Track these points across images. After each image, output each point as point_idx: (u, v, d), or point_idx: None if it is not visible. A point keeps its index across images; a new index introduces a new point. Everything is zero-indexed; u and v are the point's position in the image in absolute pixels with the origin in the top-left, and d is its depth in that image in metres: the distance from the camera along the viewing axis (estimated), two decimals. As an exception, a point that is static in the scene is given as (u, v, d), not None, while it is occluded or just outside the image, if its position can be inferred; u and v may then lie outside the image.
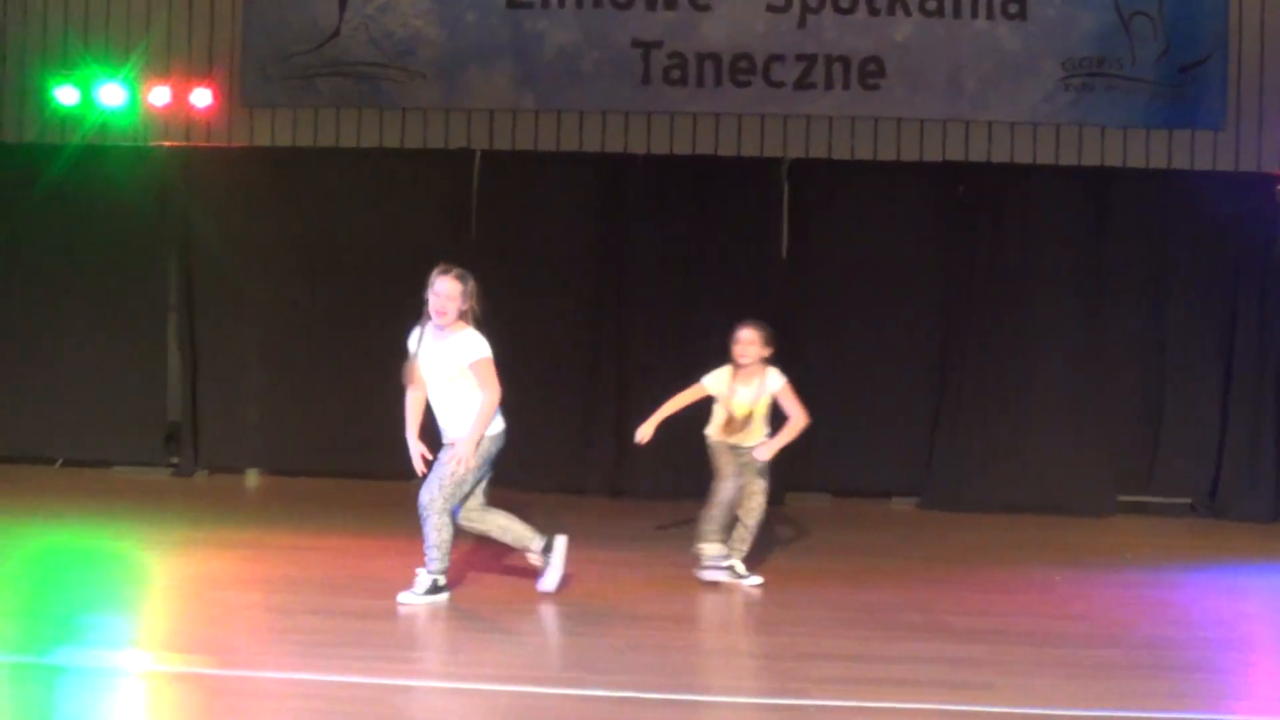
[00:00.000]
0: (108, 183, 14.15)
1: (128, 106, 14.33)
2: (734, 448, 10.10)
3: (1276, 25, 14.00)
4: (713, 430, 10.20)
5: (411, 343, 9.35)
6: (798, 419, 10.10)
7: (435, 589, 9.16)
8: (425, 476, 9.23)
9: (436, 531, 9.10)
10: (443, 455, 9.22)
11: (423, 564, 9.18)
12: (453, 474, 9.07)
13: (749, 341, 10.06)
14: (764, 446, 10.04)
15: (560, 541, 9.44)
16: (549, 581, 9.40)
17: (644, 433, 10.06)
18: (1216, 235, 13.78)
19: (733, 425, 10.10)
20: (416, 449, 9.30)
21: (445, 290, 9.16)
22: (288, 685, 7.42)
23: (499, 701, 7.21)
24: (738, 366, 10.09)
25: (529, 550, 9.38)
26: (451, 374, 9.18)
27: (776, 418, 10.16)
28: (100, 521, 11.70)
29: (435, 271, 9.29)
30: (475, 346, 9.22)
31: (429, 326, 9.26)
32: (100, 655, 7.80)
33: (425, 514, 9.12)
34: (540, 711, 7.12)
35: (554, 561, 9.39)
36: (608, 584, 9.73)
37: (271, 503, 13.41)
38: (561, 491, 13.64)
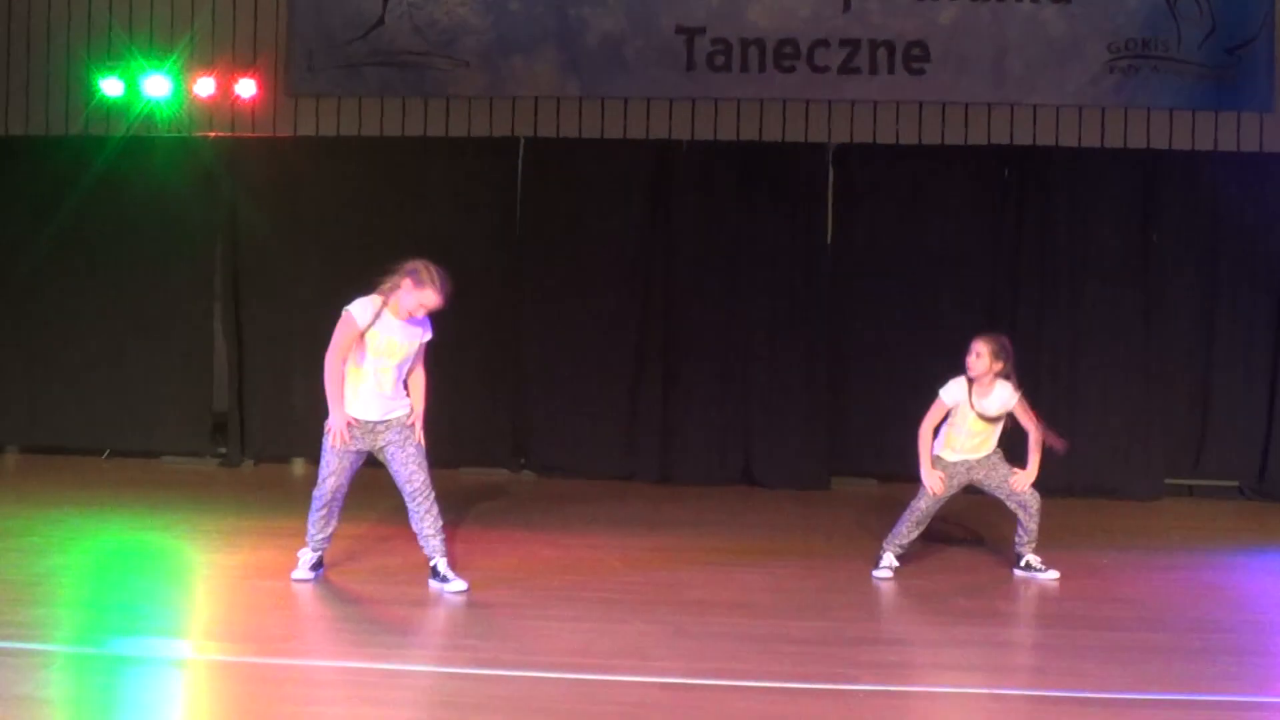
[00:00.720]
0: (153, 174, 14.24)
1: (173, 97, 14.38)
2: (961, 461, 10.04)
3: (1323, 4, 13.92)
4: (943, 448, 10.11)
5: (366, 316, 9.18)
6: (1036, 435, 10.07)
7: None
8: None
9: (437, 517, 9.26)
10: (401, 435, 9.24)
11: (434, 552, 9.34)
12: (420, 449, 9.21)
13: (979, 354, 9.91)
14: (1020, 477, 10.05)
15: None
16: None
17: (933, 484, 10.03)
18: (1264, 217, 13.69)
19: (968, 438, 10.03)
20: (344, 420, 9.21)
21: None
22: (339, 674, 7.47)
23: (552, 689, 7.24)
24: (970, 380, 9.95)
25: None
26: (413, 354, 9.36)
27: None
28: (148, 512, 11.75)
29: (437, 275, 9.29)
30: (429, 326, 9.42)
31: (393, 312, 9.21)
32: (153, 645, 7.86)
33: (429, 497, 9.22)
34: (590, 698, 7.14)
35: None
36: (655, 570, 9.73)
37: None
38: (610, 478, 13.67)
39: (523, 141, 14.27)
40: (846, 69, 14.16)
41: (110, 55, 14.49)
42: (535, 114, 14.45)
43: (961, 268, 13.91)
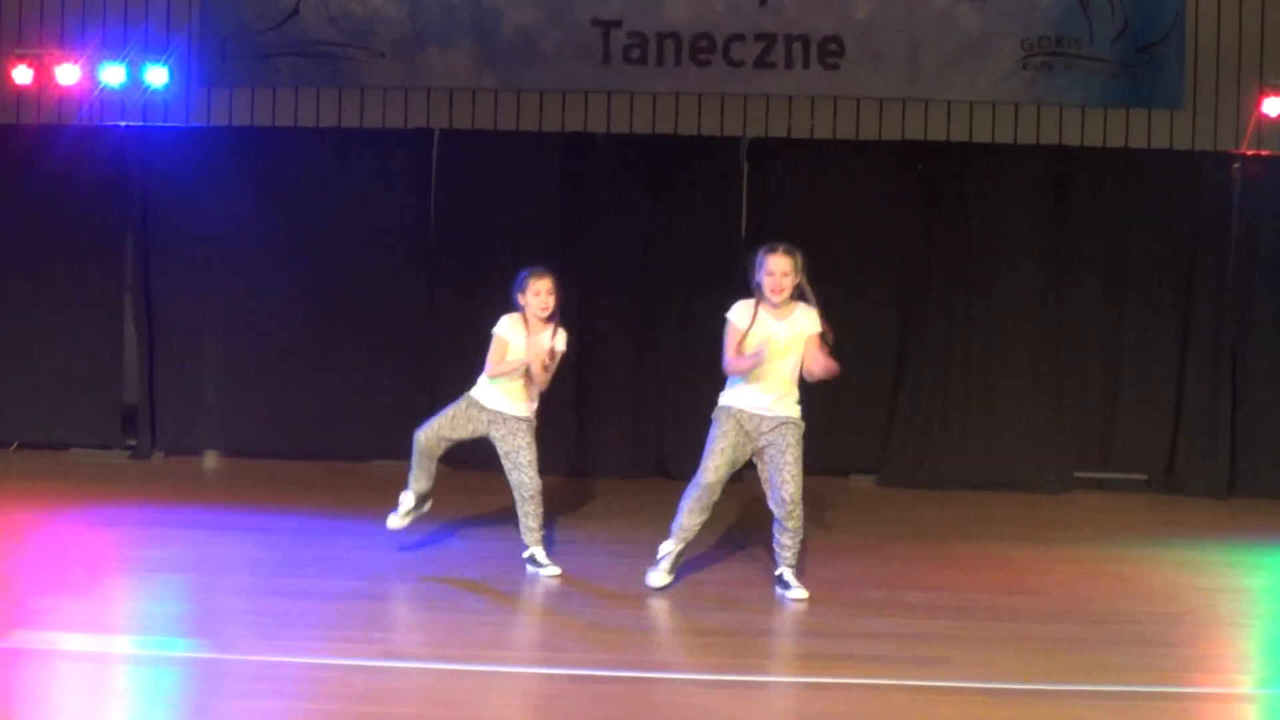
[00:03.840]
0: (62, 164, 14.05)
1: (84, 86, 14.22)
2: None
3: (1233, 4, 14.07)
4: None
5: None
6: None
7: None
8: None
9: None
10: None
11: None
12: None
13: (784, 272, 9.15)
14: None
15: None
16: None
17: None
18: (1174, 213, 13.86)
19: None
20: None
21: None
22: (248, 666, 7.41)
23: (463, 682, 7.23)
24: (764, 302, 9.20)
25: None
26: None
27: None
28: (57, 504, 11.64)
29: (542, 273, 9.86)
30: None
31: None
32: (57, 639, 7.78)
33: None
34: (502, 690, 7.13)
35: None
36: (567, 562, 9.72)
37: (230, 484, 13.38)
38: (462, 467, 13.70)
39: (437, 133, 14.22)
40: (762, 63, 14.21)
41: (21, 43, 14.31)
42: (450, 106, 14.41)
43: (875, 262, 13.98)
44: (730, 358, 9.14)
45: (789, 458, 9.16)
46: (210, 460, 14.32)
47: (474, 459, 13.79)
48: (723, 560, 10.03)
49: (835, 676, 7.43)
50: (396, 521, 9.95)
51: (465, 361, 13.97)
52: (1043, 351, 13.82)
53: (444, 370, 14.03)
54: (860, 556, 10.54)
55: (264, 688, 7.04)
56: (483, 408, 9.70)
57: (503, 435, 9.63)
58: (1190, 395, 13.81)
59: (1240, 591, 10.03)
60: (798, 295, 9.22)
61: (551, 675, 7.44)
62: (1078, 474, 13.88)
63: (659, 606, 8.94)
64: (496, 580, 9.41)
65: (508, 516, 10.09)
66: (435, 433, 9.73)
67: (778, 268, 9.12)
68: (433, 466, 9.81)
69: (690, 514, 9.22)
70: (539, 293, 9.68)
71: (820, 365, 9.10)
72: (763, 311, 9.14)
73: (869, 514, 12.55)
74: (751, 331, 9.08)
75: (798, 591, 9.12)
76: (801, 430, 9.28)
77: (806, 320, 9.17)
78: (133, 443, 14.31)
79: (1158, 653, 8.17)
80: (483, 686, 7.17)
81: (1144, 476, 13.98)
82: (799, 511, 9.14)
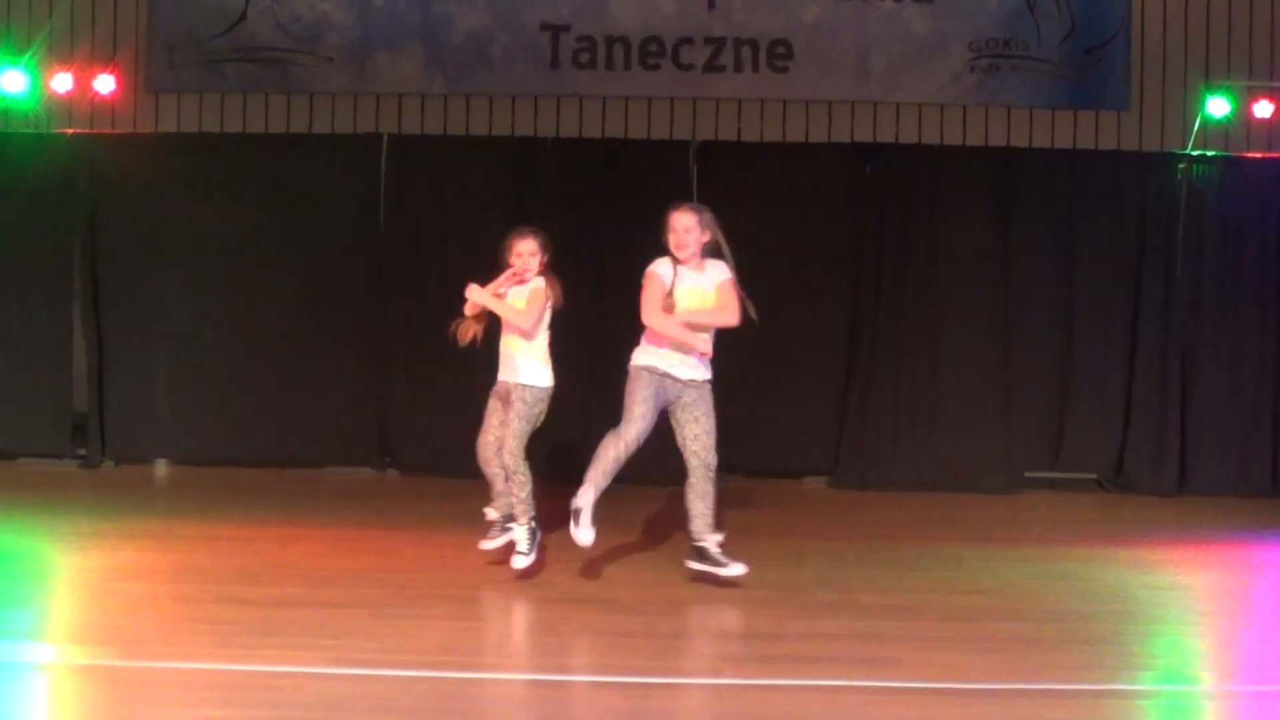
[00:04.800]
0: (9, 171, 13.99)
1: (29, 93, 14.11)
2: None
3: (1179, 6, 14.15)
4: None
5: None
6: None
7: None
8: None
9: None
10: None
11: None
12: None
13: (685, 228, 9.34)
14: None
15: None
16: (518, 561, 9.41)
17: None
18: (1121, 214, 13.95)
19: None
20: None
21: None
22: (199, 675, 7.37)
23: (416, 688, 7.21)
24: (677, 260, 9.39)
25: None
26: None
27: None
28: (5, 514, 11.56)
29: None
30: None
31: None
32: (5, 648, 7.73)
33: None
34: (455, 696, 7.12)
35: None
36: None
37: (181, 493, 13.32)
38: (476, 476, 13.55)
39: (386, 138, 14.19)
40: (711, 67, 14.22)
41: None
42: (399, 111, 14.38)
43: (824, 264, 14.04)
44: (657, 314, 9.28)
45: (701, 411, 9.41)
46: (161, 469, 14.25)
47: (425, 464, 13.87)
48: (675, 563, 10.01)
49: (787, 678, 7.43)
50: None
51: (416, 366, 14.06)
52: (992, 353, 13.87)
53: (395, 375, 14.03)
54: (812, 558, 10.55)
55: (215, 695, 7.00)
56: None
57: None
58: (1139, 395, 13.89)
59: (1189, 589, 10.11)
60: (714, 253, 9.39)
61: (506, 680, 7.44)
62: (1028, 474, 13.95)
63: (611, 609, 8.93)
64: (449, 585, 9.39)
65: (457, 521, 10.08)
66: None
67: (679, 224, 9.34)
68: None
69: (610, 470, 9.19)
70: (519, 254, 9.73)
71: (735, 312, 9.39)
72: (682, 269, 9.30)
73: (821, 516, 12.59)
74: (676, 288, 9.25)
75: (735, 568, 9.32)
76: (710, 388, 9.48)
77: (719, 273, 9.39)
78: (82, 452, 14.22)
79: (1109, 651, 8.21)
80: (435, 692, 7.15)
81: (1094, 476, 14.07)
82: (714, 460, 9.41)
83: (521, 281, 9.70)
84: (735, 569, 9.26)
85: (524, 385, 9.58)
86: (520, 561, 9.28)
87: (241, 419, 14.05)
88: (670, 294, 9.25)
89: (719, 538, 9.36)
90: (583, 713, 7.03)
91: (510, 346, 9.69)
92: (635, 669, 7.76)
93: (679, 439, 9.44)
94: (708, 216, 9.40)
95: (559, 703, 7.17)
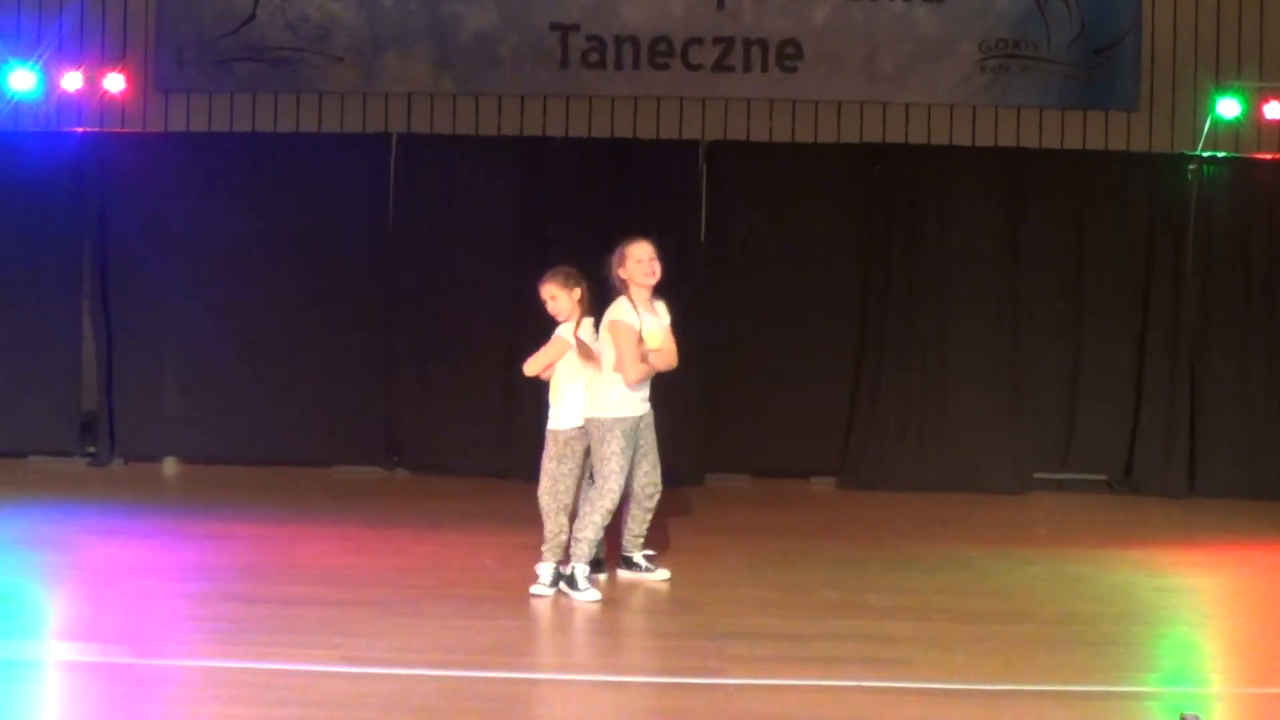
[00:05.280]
0: (20, 170, 13.99)
1: (39, 92, 14.15)
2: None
3: (1189, 7, 14.14)
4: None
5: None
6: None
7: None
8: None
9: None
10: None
11: None
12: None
13: (554, 297, 9.46)
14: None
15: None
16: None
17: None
18: (1131, 215, 13.92)
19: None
20: None
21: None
22: (207, 673, 7.39)
23: (423, 686, 7.21)
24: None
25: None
26: None
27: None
28: (15, 511, 11.59)
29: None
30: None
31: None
32: (16, 646, 7.74)
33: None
34: (462, 695, 7.12)
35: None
36: (527, 567, 9.68)
37: (189, 491, 13.34)
38: (484, 475, 13.62)
39: (395, 138, 14.19)
40: (720, 67, 14.22)
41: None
42: (408, 110, 14.39)
43: (833, 264, 14.02)
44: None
45: (653, 442, 9.47)
46: (169, 467, 14.26)
47: (433, 464, 13.88)
48: (680, 563, 10.01)
49: (796, 678, 7.43)
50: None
51: (424, 364, 14.06)
52: (1001, 353, 13.85)
53: (403, 374, 14.03)
54: (820, 558, 10.55)
55: (222, 694, 7.01)
56: None
57: None
58: (1149, 396, 13.86)
59: (1198, 591, 10.09)
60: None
61: (513, 679, 7.44)
62: (1036, 475, 13.92)
63: (616, 610, 8.94)
64: (457, 584, 9.39)
65: (466, 520, 10.09)
66: None
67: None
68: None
69: (601, 530, 9.25)
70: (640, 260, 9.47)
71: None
72: (640, 307, 9.32)
73: (829, 516, 12.58)
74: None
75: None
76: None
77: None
78: (91, 450, 14.24)
79: (1117, 652, 8.21)
80: (443, 691, 7.15)
81: (1103, 477, 14.04)
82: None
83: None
84: (592, 594, 9.11)
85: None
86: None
87: (250, 417, 14.05)
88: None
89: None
90: (590, 712, 7.03)
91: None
92: (643, 669, 7.78)
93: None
94: None
95: (567, 702, 7.18)
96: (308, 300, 14.05)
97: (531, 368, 9.49)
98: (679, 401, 13.80)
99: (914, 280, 13.92)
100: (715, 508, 12.55)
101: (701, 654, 7.96)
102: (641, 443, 9.37)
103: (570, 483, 9.38)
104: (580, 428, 9.32)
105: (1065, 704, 7.16)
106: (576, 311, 9.43)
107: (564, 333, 9.41)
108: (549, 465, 9.40)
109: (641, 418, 9.33)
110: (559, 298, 9.44)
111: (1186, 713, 6.01)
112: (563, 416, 9.40)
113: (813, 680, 7.40)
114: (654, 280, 9.36)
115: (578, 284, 9.49)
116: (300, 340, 14.07)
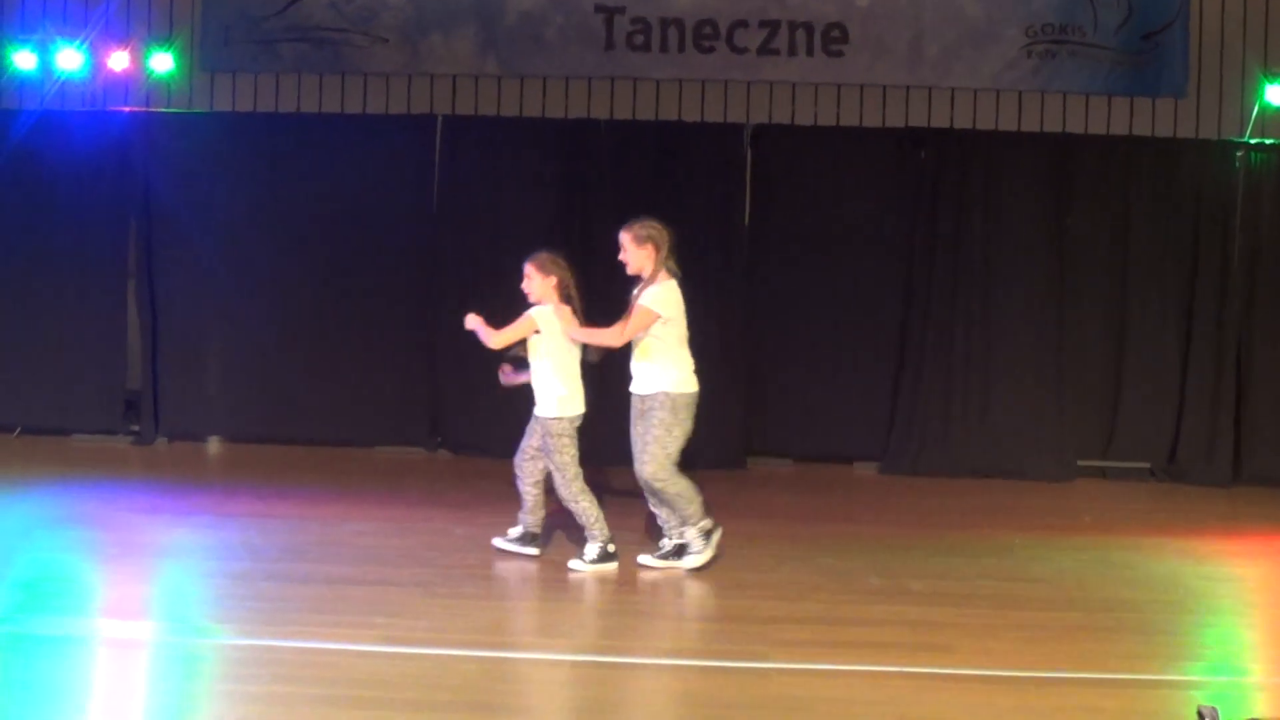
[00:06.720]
0: (66, 148, 14.03)
1: (86, 71, 14.20)
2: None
3: (1237, -7, 14.06)
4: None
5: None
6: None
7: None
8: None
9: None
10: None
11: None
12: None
13: (529, 275, 10.01)
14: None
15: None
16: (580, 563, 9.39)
17: None
18: (1177, 202, 13.83)
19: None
20: None
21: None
22: (249, 651, 7.42)
23: (463, 667, 7.23)
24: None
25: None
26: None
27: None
28: (60, 490, 11.65)
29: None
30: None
31: None
32: (61, 623, 7.78)
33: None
34: (502, 676, 7.14)
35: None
36: (568, 548, 9.71)
37: (233, 470, 13.39)
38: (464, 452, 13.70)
39: (440, 119, 14.20)
40: (765, 50, 14.17)
41: (23, 28, 14.29)
42: (453, 92, 14.38)
43: (877, 249, 13.96)
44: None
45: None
46: (213, 446, 14.31)
47: (476, 444, 13.89)
48: (727, 546, 10.00)
49: (838, 663, 7.43)
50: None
51: (467, 346, 14.05)
52: (1045, 340, 13.79)
53: (446, 355, 14.02)
54: (863, 544, 10.52)
55: (265, 672, 7.04)
56: None
57: None
58: (1193, 384, 13.78)
59: (1242, 580, 10.04)
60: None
61: (554, 660, 7.45)
62: (1080, 462, 13.86)
63: (659, 592, 8.94)
64: (497, 565, 9.41)
65: (507, 501, 10.08)
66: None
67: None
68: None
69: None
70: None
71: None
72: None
73: (872, 502, 12.55)
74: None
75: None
76: None
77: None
78: (135, 428, 14.30)
79: (1161, 641, 8.19)
80: (484, 671, 7.17)
81: (1147, 465, 13.97)
82: None
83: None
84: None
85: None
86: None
87: (293, 397, 14.09)
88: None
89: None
90: (631, 694, 7.04)
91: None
92: (681, 651, 7.78)
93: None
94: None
95: (608, 683, 7.18)
96: (351, 281, 14.07)
97: (495, 341, 9.76)
98: (722, 385, 13.82)
99: (958, 265, 13.86)
100: (758, 492, 12.54)
101: (743, 638, 7.96)
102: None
103: (575, 467, 9.48)
104: (570, 419, 9.61)
105: (1110, 692, 7.14)
106: (553, 296, 9.64)
107: (535, 314, 9.57)
108: (551, 459, 9.52)
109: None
110: (533, 278, 9.78)
111: (1203, 705, 5.96)
112: (549, 405, 9.63)
113: (854, 665, 7.40)
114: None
115: (554, 271, 9.81)
116: (343, 321, 14.09)
